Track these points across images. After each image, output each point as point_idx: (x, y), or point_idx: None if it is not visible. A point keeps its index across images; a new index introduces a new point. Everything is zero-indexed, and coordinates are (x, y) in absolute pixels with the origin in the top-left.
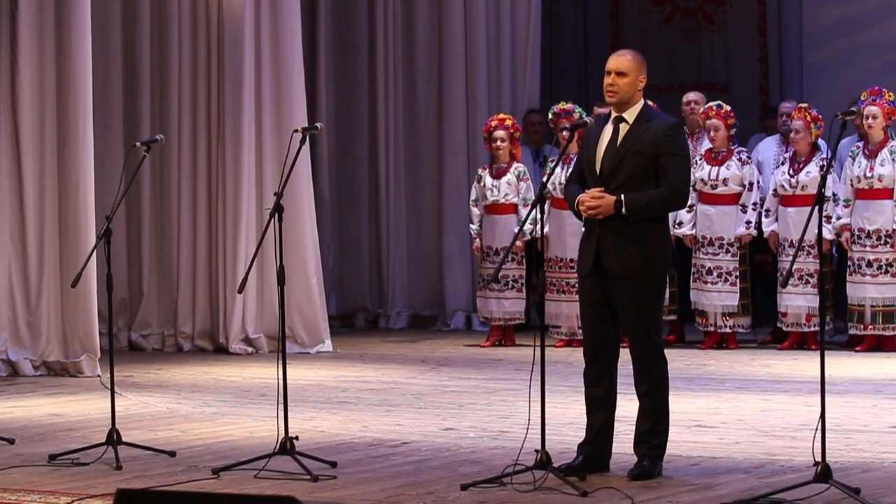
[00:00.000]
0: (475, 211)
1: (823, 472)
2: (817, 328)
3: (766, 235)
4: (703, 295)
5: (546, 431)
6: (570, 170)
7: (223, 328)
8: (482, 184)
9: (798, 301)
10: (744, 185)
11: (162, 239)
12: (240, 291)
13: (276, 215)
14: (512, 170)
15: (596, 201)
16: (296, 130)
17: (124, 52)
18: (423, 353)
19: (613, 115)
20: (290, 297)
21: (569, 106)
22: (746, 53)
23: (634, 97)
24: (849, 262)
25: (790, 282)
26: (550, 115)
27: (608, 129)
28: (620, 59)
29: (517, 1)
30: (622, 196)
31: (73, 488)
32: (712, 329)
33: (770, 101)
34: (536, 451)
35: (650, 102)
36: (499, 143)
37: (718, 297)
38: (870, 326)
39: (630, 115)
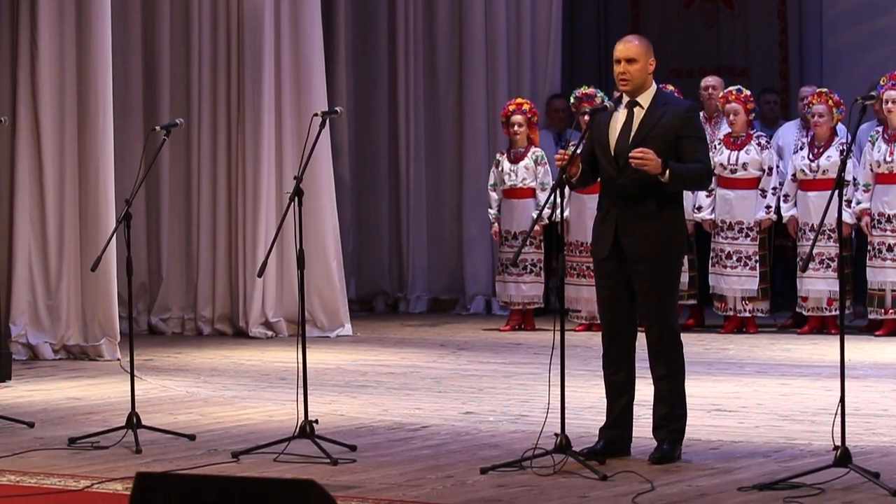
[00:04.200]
0: (493, 195)
1: (843, 457)
2: (838, 312)
3: (785, 220)
4: (723, 279)
5: (566, 415)
6: None
7: (243, 312)
8: (500, 168)
9: (819, 285)
10: (763, 170)
11: (182, 223)
12: (260, 275)
13: (296, 199)
14: (530, 154)
15: (647, 154)
16: (315, 114)
17: (144, 37)
18: (443, 338)
19: (626, 99)
20: (309, 282)
21: (591, 90)
22: (766, 39)
23: (647, 81)
24: (868, 247)
25: (811, 266)
26: (572, 100)
27: (621, 114)
28: (628, 46)
29: None
30: (668, 161)
31: (93, 472)
32: (731, 313)
33: (790, 86)
34: (556, 434)
35: (670, 87)
36: (516, 127)
37: (738, 282)
38: (890, 311)
39: (644, 99)
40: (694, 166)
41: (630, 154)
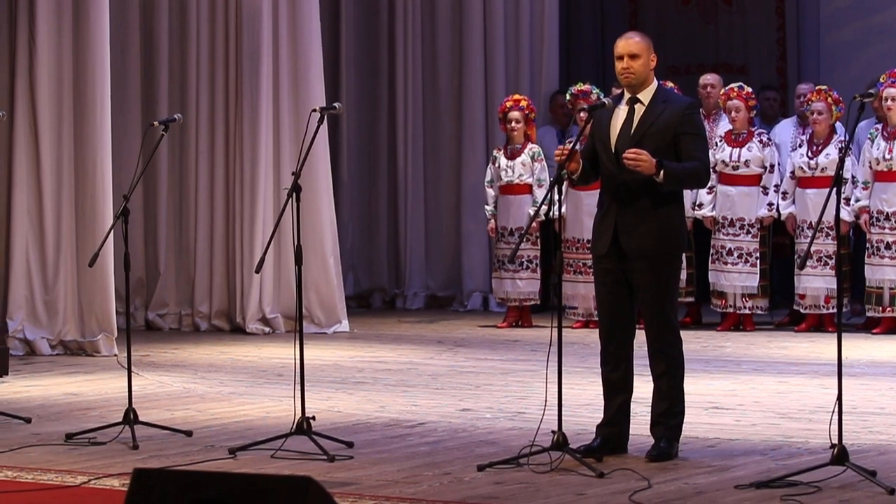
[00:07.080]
0: (490, 192)
1: (840, 455)
2: (835, 310)
3: (783, 218)
4: (723, 276)
5: (563, 412)
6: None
7: (240, 308)
8: (497, 165)
9: (817, 283)
10: (764, 167)
11: (179, 218)
12: (257, 271)
13: (294, 195)
14: (526, 150)
15: (640, 155)
16: (314, 110)
17: (142, 31)
18: (440, 334)
19: (628, 95)
20: (307, 278)
21: (586, 87)
22: (764, 35)
23: (648, 78)
24: (867, 245)
25: (809, 263)
26: (568, 97)
27: (622, 110)
28: (630, 42)
29: None
30: (663, 160)
31: (90, 467)
32: (730, 310)
33: (788, 83)
34: (553, 432)
35: (670, 83)
36: (513, 123)
37: (739, 278)
38: (888, 308)
39: (645, 95)
40: (690, 165)
41: (623, 155)
